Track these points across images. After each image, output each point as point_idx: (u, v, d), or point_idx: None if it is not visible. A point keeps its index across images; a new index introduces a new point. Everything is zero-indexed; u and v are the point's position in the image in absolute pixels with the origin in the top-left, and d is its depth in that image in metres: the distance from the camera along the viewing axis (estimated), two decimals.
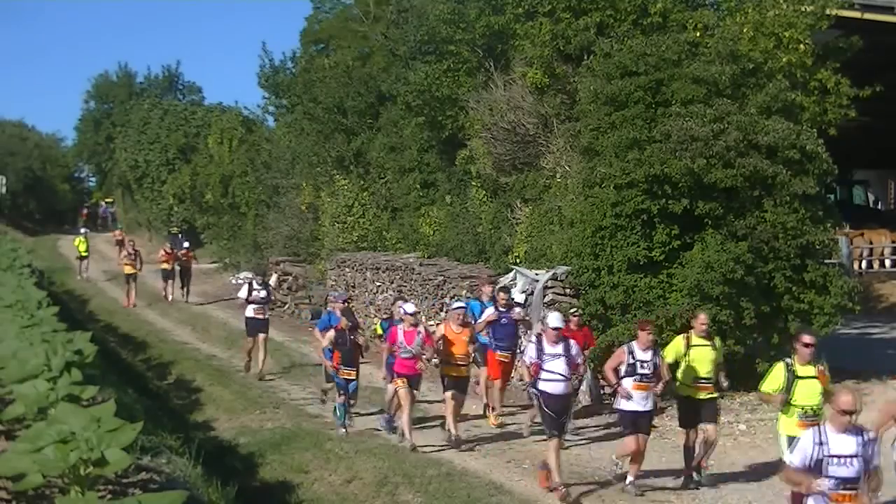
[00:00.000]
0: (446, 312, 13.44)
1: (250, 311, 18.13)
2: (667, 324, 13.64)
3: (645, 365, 10.48)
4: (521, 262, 16.91)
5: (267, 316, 18.39)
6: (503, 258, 17.83)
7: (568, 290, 15.15)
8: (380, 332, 14.53)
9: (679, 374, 10.95)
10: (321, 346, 13.91)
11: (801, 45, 15.68)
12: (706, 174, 13.77)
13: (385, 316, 15.76)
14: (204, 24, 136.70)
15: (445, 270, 19.08)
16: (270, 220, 30.68)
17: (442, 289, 18.84)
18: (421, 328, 12.70)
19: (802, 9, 15.93)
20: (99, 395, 6.73)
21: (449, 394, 12.57)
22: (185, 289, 29.66)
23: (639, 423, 10.52)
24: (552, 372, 10.66)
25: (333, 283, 24.60)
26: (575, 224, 15.29)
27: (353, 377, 13.33)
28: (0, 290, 11.37)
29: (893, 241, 26.01)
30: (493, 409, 14.05)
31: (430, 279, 19.37)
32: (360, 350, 13.73)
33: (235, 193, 35.95)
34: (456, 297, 16.43)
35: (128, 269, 28.16)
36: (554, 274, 15.22)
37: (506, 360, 13.86)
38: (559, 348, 10.74)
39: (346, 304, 14.82)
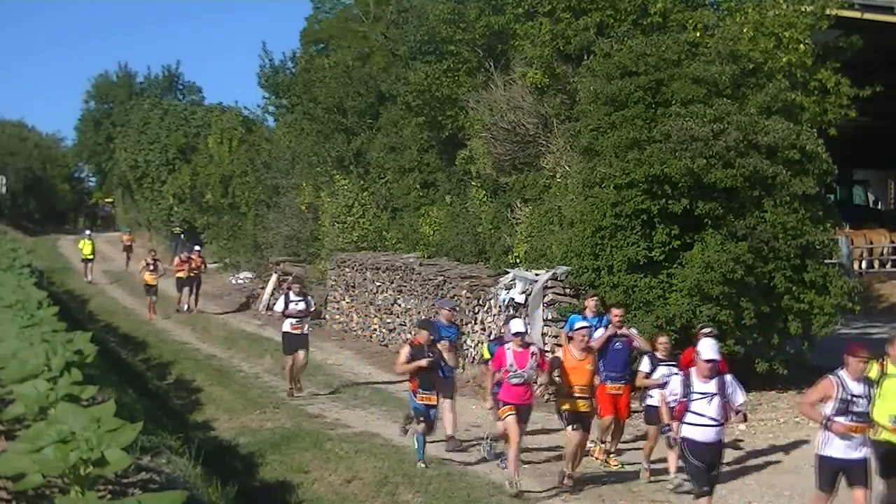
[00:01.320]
0: (569, 333, 11.27)
1: (287, 325, 16.04)
2: (667, 324, 13.65)
3: (858, 401, 8.33)
4: (521, 262, 16.92)
5: (307, 331, 16.30)
6: (503, 258, 17.84)
7: (568, 290, 15.14)
8: (487, 356, 12.12)
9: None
10: (401, 363, 11.64)
11: (801, 45, 15.68)
12: (706, 174, 13.77)
13: (493, 337, 13.36)
14: (204, 24, 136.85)
15: (445, 270, 19.09)
16: (270, 220, 30.70)
17: (442, 289, 18.85)
18: (534, 348, 10.85)
19: (802, 9, 15.93)
20: (99, 395, 6.73)
21: (569, 430, 10.61)
22: (195, 296, 27.88)
23: (851, 476, 8.42)
24: (701, 415, 8.86)
25: (333, 283, 24.62)
26: (575, 224, 15.29)
27: (435, 402, 11.60)
28: (0, 290, 11.37)
29: (893, 241, 26.01)
30: (607, 450, 11.94)
31: (430, 279, 19.38)
32: (439, 370, 11.75)
33: (235, 193, 35.97)
34: (570, 313, 13.93)
35: (149, 280, 26.41)
36: (554, 274, 15.22)
37: (619, 393, 11.75)
38: (712, 385, 8.90)
39: (453, 312, 13.04)
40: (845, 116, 16.07)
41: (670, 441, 9.75)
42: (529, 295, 15.51)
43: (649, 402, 11.17)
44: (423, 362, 11.34)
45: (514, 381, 10.50)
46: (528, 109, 18.13)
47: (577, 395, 10.56)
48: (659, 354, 11.19)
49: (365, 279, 22.75)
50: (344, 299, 24.04)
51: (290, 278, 19.42)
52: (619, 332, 11.71)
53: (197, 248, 30.55)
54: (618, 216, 14.32)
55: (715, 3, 17.99)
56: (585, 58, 16.68)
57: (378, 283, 22.05)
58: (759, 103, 14.59)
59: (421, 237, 21.59)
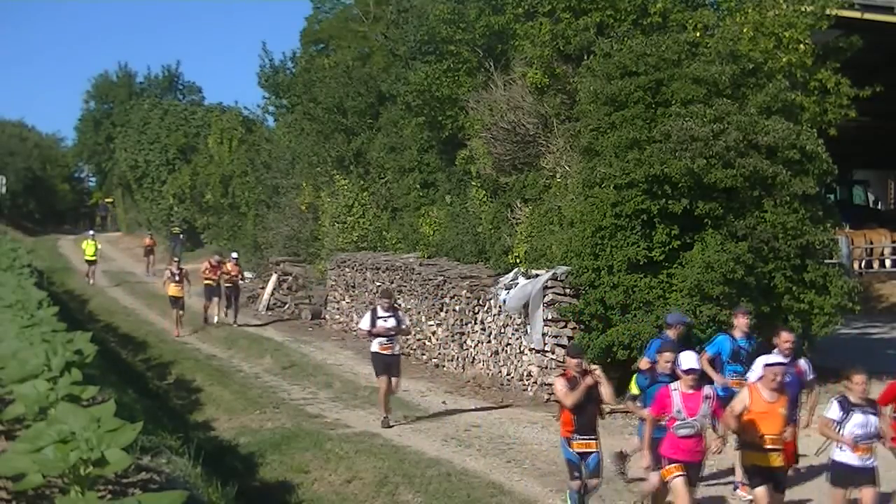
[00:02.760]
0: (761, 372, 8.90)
1: (376, 345, 13.91)
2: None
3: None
4: (521, 262, 16.91)
5: (398, 351, 14.16)
6: (503, 258, 17.83)
7: (568, 290, 15.15)
8: (636, 390, 10.05)
9: None
10: (562, 395, 9.18)
11: (801, 45, 15.67)
12: (706, 174, 13.77)
13: (645, 366, 10.28)
14: (204, 24, 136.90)
15: (445, 270, 19.09)
16: (270, 220, 30.70)
17: (442, 289, 18.85)
18: (707, 390, 8.58)
19: (802, 9, 15.93)
20: (99, 395, 6.73)
21: (759, 492, 8.59)
22: (234, 308, 25.41)
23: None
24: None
25: (333, 283, 24.62)
26: (575, 224, 15.28)
27: (593, 448, 9.35)
28: (0, 290, 11.37)
29: (893, 241, 26.02)
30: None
31: (430, 279, 19.38)
32: (601, 408, 9.52)
33: (235, 193, 35.99)
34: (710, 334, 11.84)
35: (173, 292, 23.90)
36: (554, 274, 15.22)
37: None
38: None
39: (682, 330, 10.82)
40: (845, 116, 16.07)
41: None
42: (528, 297, 15.49)
43: (837, 457, 8.67)
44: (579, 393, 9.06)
45: (684, 431, 8.42)
46: (528, 109, 18.13)
47: (767, 446, 8.52)
48: (853, 396, 8.66)
49: (365, 279, 22.75)
50: (344, 299, 24.04)
51: (380, 291, 16.79)
52: (785, 361, 9.26)
53: (234, 255, 27.49)
54: (618, 216, 14.32)
55: (715, 3, 17.98)
56: (585, 58, 16.67)
57: (378, 283, 22.04)
58: (759, 103, 14.59)
59: (421, 237, 21.58)
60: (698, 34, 15.83)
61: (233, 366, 19.87)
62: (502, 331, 16.51)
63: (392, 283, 21.26)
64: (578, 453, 9.23)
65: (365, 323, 14.07)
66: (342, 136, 26.38)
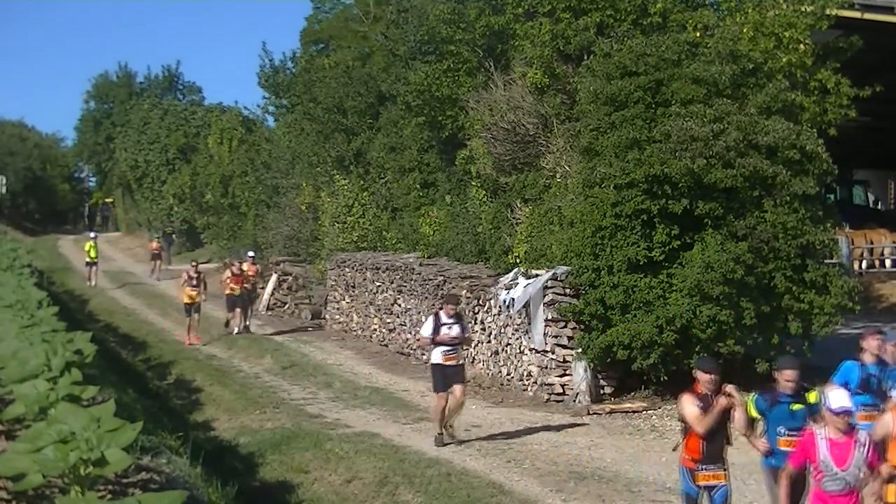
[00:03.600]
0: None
1: (438, 355, 12.42)
2: (667, 324, 13.65)
3: None
4: (521, 262, 16.91)
5: (462, 361, 12.85)
6: (503, 258, 17.84)
7: (568, 290, 15.15)
8: (754, 412, 8.26)
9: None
10: (693, 418, 7.76)
11: (801, 45, 15.68)
12: (706, 174, 13.77)
13: (766, 392, 8.40)
14: (204, 24, 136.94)
15: (445, 270, 19.09)
16: (270, 220, 30.71)
17: (442, 289, 18.85)
18: (862, 435, 6.83)
19: (802, 9, 15.94)
20: (99, 395, 6.73)
21: None
22: (248, 313, 23.66)
23: None
24: None
25: (333, 283, 24.62)
26: (575, 224, 15.28)
27: (722, 481, 7.89)
28: (0, 290, 11.37)
29: (893, 242, 26.01)
30: None
31: (430, 279, 19.38)
32: (729, 434, 8.07)
33: (235, 193, 36.00)
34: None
35: (188, 297, 22.27)
36: (554, 274, 15.22)
37: None
38: None
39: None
40: (845, 116, 16.08)
41: None
42: (527, 299, 15.48)
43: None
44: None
45: (833, 486, 6.73)
46: (528, 109, 18.13)
47: None
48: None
49: (365, 279, 22.75)
50: (344, 299, 24.04)
51: (445, 295, 14.94)
52: None
53: (251, 254, 25.62)
54: (618, 216, 14.31)
55: (715, 3, 17.99)
56: (585, 58, 16.68)
57: (378, 283, 22.06)
58: (759, 103, 14.59)
59: (421, 237, 21.59)
60: (698, 34, 15.83)
61: (233, 366, 19.86)
62: (502, 331, 16.50)
63: (392, 282, 21.27)
64: (704, 487, 7.80)
65: (427, 329, 12.57)
66: (342, 136, 26.39)
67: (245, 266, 23.69)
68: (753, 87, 15.05)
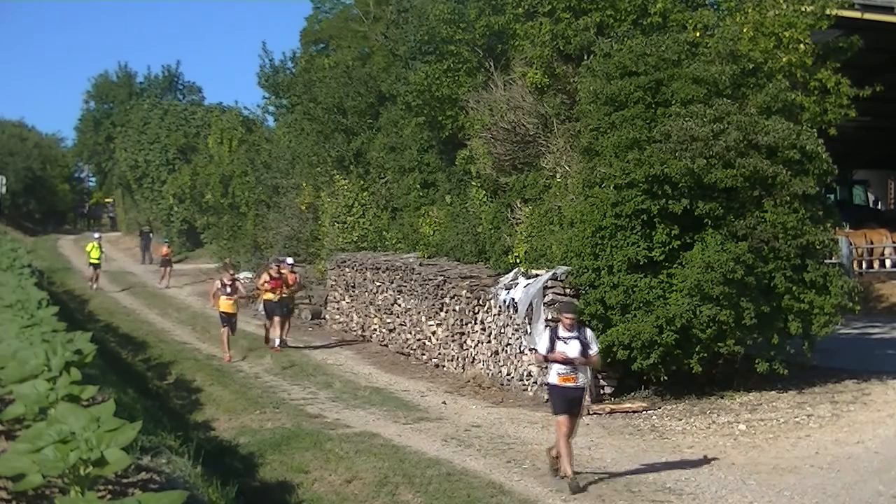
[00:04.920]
0: None
1: (553, 376, 10.52)
2: (667, 324, 13.65)
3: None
4: (521, 262, 16.91)
5: (582, 383, 10.59)
6: (503, 258, 17.83)
7: (568, 290, 15.15)
8: None
9: None
10: None
11: (801, 45, 15.67)
12: (706, 174, 13.77)
13: None
14: (204, 24, 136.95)
15: (445, 270, 19.09)
16: (270, 220, 30.70)
17: (442, 289, 18.85)
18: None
19: (802, 9, 15.93)
20: (99, 395, 6.73)
21: None
22: (287, 324, 21.33)
23: None
24: None
25: (333, 283, 24.63)
26: (575, 224, 15.28)
27: None
28: (0, 290, 11.38)
29: (893, 242, 26.03)
30: None
31: (430, 279, 19.37)
32: None
33: (235, 193, 35.99)
34: None
35: (225, 307, 20.14)
36: (554, 274, 15.22)
37: None
38: None
39: None
40: (845, 116, 16.07)
41: None
42: (531, 300, 15.47)
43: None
44: None
45: None
46: (528, 109, 18.13)
47: None
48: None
49: (365, 279, 22.75)
50: (344, 299, 24.04)
51: (561, 303, 12.86)
52: None
53: (290, 260, 22.72)
54: (618, 216, 14.31)
55: (715, 3, 17.98)
56: (585, 58, 16.67)
57: (378, 283, 22.05)
58: (759, 103, 14.58)
59: (421, 237, 21.59)
60: (698, 34, 15.82)
61: (233, 366, 19.86)
62: (502, 331, 16.50)
63: (392, 282, 21.26)
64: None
65: (542, 345, 10.54)
66: (342, 136, 26.39)
67: (285, 270, 21.34)
68: (753, 87, 15.05)
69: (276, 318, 20.52)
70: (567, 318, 10.49)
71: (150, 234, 45.03)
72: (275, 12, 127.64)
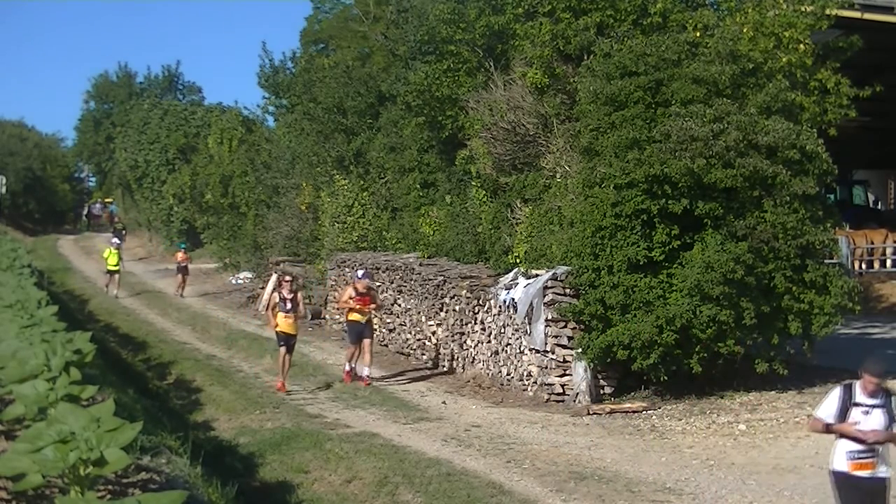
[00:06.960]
0: None
1: (842, 457, 7.69)
2: (667, 324, 13.64)
3: None
4: (521, 262, 16.91)
5: (885, 473, 7.54)
6: (503, 258, 17.83)
7: (568, 290, 15.15)
8: None
9: None
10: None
11: (801, 45, 15.67)
12: (706, 174, 13.77)
13: None
14: (204, 24, 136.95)
15: (445, 270, 19.08)
16: (270, 220, 30.69)
17: (442, 289, 18.85)
18: None
19: (802, 9, 15.93)
20: (99, 395, 6.73)
21: None
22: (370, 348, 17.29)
23: None
24: None
25: (333, 283, 24.61)
26: (575, 224, 15.28)
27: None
28: (0, 290, 11.37)
29: (894, 242, 26.03)
30: None
31: (430, 279, 19.37)
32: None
33: (235, 193, 35.99)
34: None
35: (284, 327, 16.66)
36: (554, 274, 15.23)
37: None
38: None
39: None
40: (845, 116, 16.07)
41: None
42: (531, 299, 15.47)
43: None
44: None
45: None
46: (528, 109, 18.13)
47: None
48: None
49: None
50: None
51: (867, 363, 9.38)
52: None
53: (360, 273, 17.73)
54: (618, 216, 14.31)
55: (715, 3, 17.99)
56: (585, 58, 16.67)
57: (378, 283, 22.04)
58: (759, 103, 14.58)
59: (421, 237, 21.58)
60: (698, 34, 15.82)
61: (233, 366, 19.86)
62: (502, 331, 16.50)
63: (392, 282, 21.25)
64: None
65: (826, 409, 7.65)
66: (342, 136, 26.38)
67: (360, 284, 17.13)
68: (753, 87, 15.05)
69: (367, 342, 17.03)
70: (870, 382, 7.40)
71: (124, 233, 45.85)
72: (275, 12, 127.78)
